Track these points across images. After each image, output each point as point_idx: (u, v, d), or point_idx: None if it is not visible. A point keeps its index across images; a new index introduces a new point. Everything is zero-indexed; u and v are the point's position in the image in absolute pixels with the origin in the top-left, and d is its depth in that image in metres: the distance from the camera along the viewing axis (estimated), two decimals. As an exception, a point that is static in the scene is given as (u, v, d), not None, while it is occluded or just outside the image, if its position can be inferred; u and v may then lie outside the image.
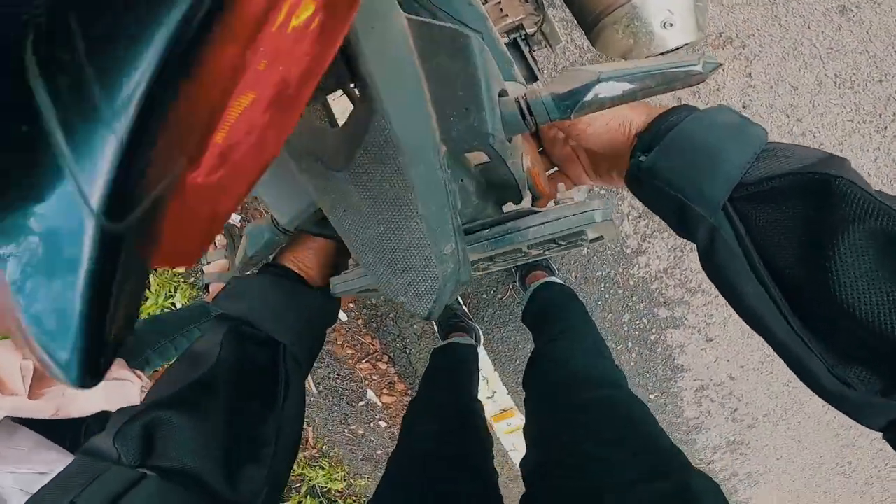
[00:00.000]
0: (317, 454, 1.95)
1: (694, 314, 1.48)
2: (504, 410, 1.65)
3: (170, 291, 1.50)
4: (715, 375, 1.63)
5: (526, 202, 0.48)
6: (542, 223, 0.39)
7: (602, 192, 1.30)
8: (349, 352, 1.59)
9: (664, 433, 0.66)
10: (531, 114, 0.35)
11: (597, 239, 0.48)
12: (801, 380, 0.34)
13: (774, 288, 0.33)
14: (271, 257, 0.57)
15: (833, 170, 0.31)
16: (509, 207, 0.44)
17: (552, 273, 1.34)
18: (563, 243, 0.44)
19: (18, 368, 0.68)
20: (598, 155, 0.46)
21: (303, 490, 1.91)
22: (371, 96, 0.30)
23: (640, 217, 1.33)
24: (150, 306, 1.48)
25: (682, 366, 1.61)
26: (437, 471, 0.75)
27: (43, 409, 0.72)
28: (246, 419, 0.44)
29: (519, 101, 0.35)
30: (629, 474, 0.58)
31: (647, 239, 1.36)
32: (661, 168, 0.37)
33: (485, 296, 1.46)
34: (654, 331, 1.52)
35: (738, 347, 1.56)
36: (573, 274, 1.40)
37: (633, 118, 0.42)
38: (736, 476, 1.98)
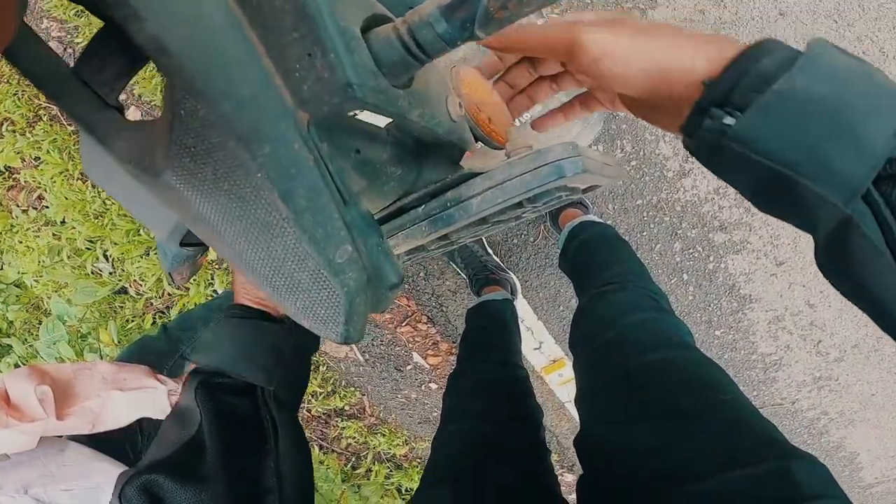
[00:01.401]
0: (376, 422, 1.99)
1: (757, 236, 1.31)
2: (554, 361, 1.57)
3: (208, 279, 1.54)
4: (790, 304, 1.45)
5: (483, 159, 0.38)
6: (487, 189, 0.29)
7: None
8: (387, 316, 1.57)
9: (749, 403, 0.54)
10: (418, 44, 0.24)
11: (590, 188, 0.39)
12: None
13: None
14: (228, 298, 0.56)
15: None
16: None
17: (587, 209, 1.23)
18: (537, 204, 0.32)
19: (34, 394, 0.69)
20: (638, 103, 0.33)
21: (369, 457, 1.96)
22: (167, 67, 0.22)
23: (676, 136, 1.18)
24: (195, 296, 1.54)
25: (750, 296, 1.44)
26: (485, 460, 0.68)
27: (78, 426, 0.75)
28: (242, 474, 0.43)
29: (398, 29, 0.25)
30: (705, 462, 0.47)
31: (690, 159, 1.20)
32: (760, 135, 0.26)
33: (515, 241, 1.37)
34: (711, 259, 1.37)
35: (816, 270, 1.37)
36: (610, 206, 1.28)
37: (691, 60, 0.29)
38: (826, 415, 1.79)
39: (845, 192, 0.25)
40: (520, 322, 1.50)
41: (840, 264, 0.28)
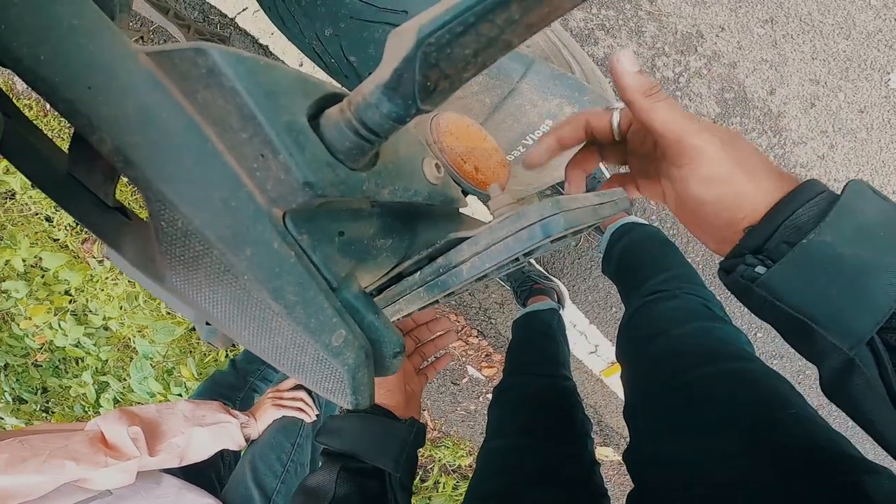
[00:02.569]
0: (439, 435, 2.01)
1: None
2: (612, 363, 1.51)
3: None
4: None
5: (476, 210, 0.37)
6: (474, 255, 0.29)
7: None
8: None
9: (816, 416, 0.50)
10: (368, 128, 0.23)
11: (592, 225, 0.36)
12: None
13: None
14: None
15: None
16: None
17: (629, 211, 1.17)
18: (532, 257, 0.33)
19: (127, 435, 0.76)
20: (691, 216, 0.36)
21: (435, 470, 1.99)
22: (134, 179, 0.22)
23: (714, 122, 1.10)
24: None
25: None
26: (529, 478, 0.67)
27: (168, 461, 0.83)
28: None
29: (345, 112, 0.23)
30: (768, 477, 0.45)
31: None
32: (785, 289, 0.30)
33: (555, 248, 1.34)
34: (776, 246, 1.26)
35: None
36: (652, 201, 1.21)
37: (748, 198, 0.32)
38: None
39: (852, 340, 0.29)
40: (572, 327, 1.46)
41: (843, 396, 0.31)
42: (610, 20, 1.19)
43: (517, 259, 0.31)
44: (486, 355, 1.63)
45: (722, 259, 0.35)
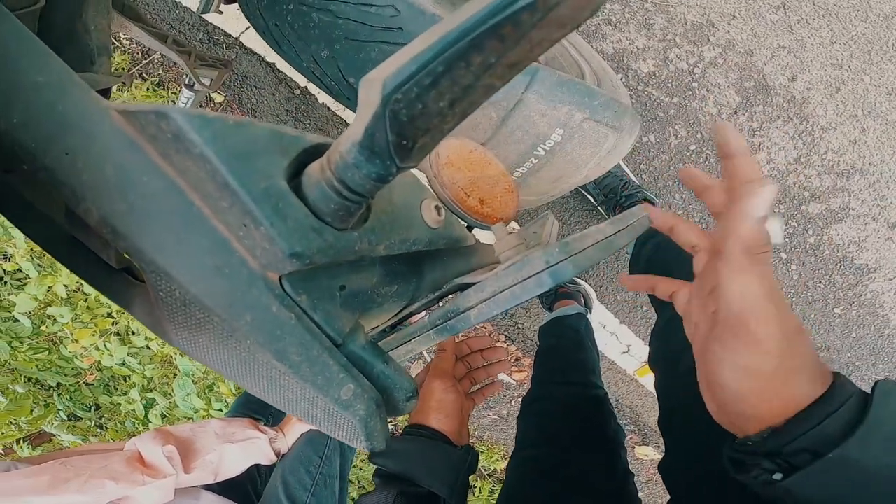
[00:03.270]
0: (472, 440, 2.01)
1: (859, 200, 1.15)
2: (645, 363, 1.49)
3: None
4: (920, 268, 1.25)
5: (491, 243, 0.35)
6: (482, 302, 0.28)
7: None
8: (458, 336, 1.59)
9: None
10: (350, 189, 0.21)
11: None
12: None
13: None
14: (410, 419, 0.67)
15: None
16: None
17: (653, 205, 1.15)
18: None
19: (162, 454, 0.80)
20: (708, 383, 0.34)
21: (472, 474, 1.99)
22: (126, 249, 0.21)
23: (735, 112, 1.08)
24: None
25: (867, 265, 1.26)
26: (558, 491, 0.68)
27: (203, 477, 0.86)
28: None
29: (325, 172, 0.21)
30: None
31: (758, 133, 1.10)
32: (804, 492, 0.29)
33: (582, 249, 1.33)
34: (810, 232, 1.22)
35: (945, 225, 1.17)
36: (677, 195, 1.19)
37: (777, 403, 0.30)
38: None
39: None
40: (602, 328, 1.44)
41: None
42: (616, 14, 1.18)
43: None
44: (516, 359, 1.63)
45: (729, 446, 0.34)
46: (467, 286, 0.29)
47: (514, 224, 1.27)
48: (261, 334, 0.23)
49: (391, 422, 1.90)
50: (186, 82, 0.94)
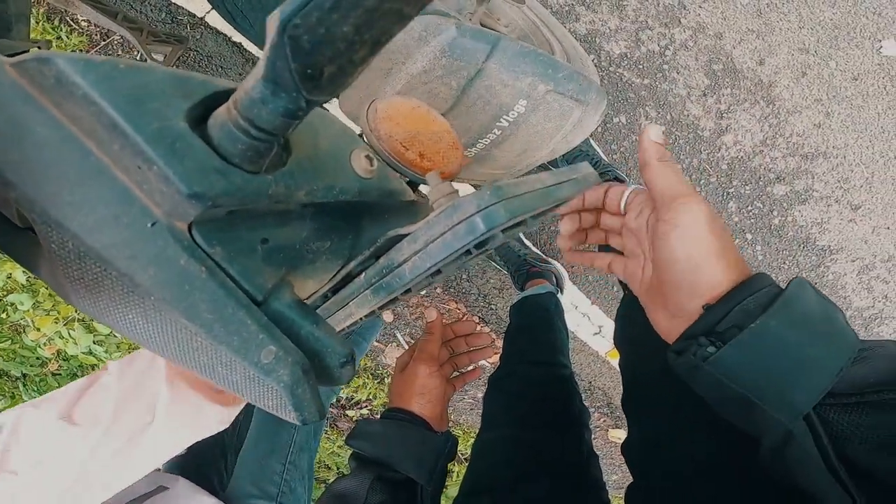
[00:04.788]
0: (450, 425, 2.02)
1: (822, 182, 1.18)
2: (616, 346, 1.51)
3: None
4: (878, 250, 1.28)
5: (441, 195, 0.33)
6: (414, 254, 0.26)
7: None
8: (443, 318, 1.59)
9: None
10: (259, 128, 0.20)
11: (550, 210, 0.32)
12: None
13: (856, 491, 0.30)
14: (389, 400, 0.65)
15: None
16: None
17: (624, 183, 1.15)
18: (489, 249, 0.27)
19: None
20: (661, 275, 0.39)
21: (448, 458, 2.00)
22: (19, 200, 0.20)
23: (704, 94, 1.08)
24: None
25: (829, 247, 1.29)
26: (523, 471, 0.67)
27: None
28: None
29: (231, 112, 0.20)
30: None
31: (726, 115, 1.11)
32: (733, 368, 0.33)
33: (554, 228, 1.33)
34: (775, 213, 1.24)
35: (901, 207, 1.20)
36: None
37: (712, 271, 0.35)
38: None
39: (791, 414, 0.32)
40: (574, 308, 1.45)
41: (780, 466, 0.34)
42: (591, -5, 1.18)
43: (469, 252, 0.27)
44: (490, 341, 1.64)
45: (673, 342, 0.38)
46: (402, 238, 0.27)
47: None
48: (166, 289, 0.21)
49: (359, 411, 1.89)
50: (139, 59, 0.90)
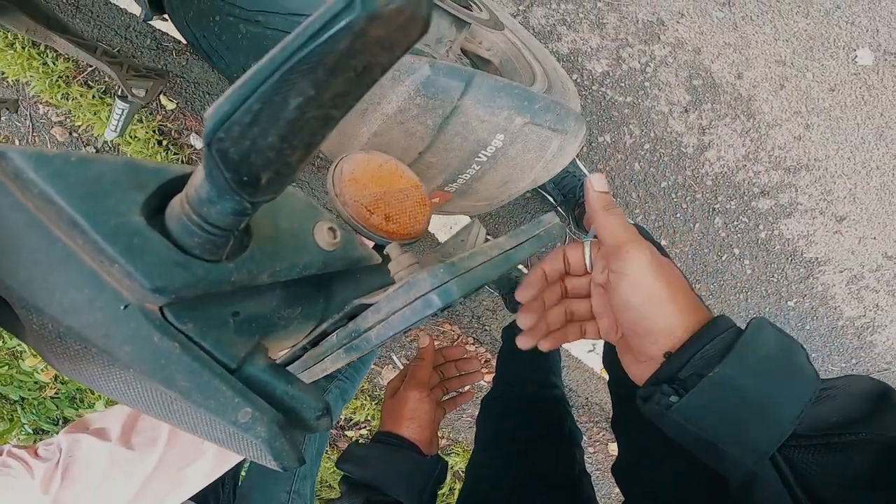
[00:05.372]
0: (448, 443, 2.00)
1: (806, 195, 1.18)
2: (611, 362, 1.50)
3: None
4: (866, 260, 1.29)
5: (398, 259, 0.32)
6: (378, 323, 0.28)
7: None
8: (435, 343, 1.58)
9: None
10: (210, 223, 0.20)
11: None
12: None
13: None
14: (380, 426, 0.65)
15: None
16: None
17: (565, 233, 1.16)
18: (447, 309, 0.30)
19: None
20: (623, 323, 0.39)
21: (447, 476, 1.98)
22: None
23: (686, 110, 1.09)
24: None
25: (817, 259, 1.30)
26: (516, 491, 0.68)
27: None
28: None
29: (184, 207, 0.20)
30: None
31: (708, 131, 1.12)
32: (695, 415, 0.34)
33: (545, 250, 1.33)
34: (761, 227, 1.25)
35: (884, 217, 1.21)
36: (633, 194, 1.21)
37: (666, 315, 0.36)
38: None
39: (755, 456, 0.32)
40: (566, 328, 1.45)
41: (746, 497, 0.35)
42: (570, 14, 1.19)
43: (434, 313, 0.29)
44: (486, 361, 1.63)
45: (641, 387, 0.39)
46: (368, 305, 0.28)
47: (438, 235, 1.27)
48: (143, 364, 0.22)
49: (358, 432, 1.88)
50: (119, 94, 0.90)
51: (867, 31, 1.18)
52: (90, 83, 1.35)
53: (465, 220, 1.29)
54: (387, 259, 0.34)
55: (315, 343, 0.34)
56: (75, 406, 1.90)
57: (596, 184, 0.40)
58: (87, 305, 0.21)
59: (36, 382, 1.81)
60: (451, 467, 1.96)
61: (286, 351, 0.35)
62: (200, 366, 0.24)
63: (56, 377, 1.81)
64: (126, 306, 0.22)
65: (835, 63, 1.18)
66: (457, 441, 1.95)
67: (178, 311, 0.23)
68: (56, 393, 1.87)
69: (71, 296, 0.21)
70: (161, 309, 0.23)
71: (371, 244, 0.38)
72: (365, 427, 1.90)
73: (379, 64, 0.16)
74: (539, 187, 1.22)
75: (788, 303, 1.38)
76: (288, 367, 0.33)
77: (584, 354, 1.50)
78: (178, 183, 0.23)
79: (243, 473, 1.04)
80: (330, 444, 1.90)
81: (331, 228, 0.30)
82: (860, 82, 1.19)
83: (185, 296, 0.22)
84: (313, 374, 0.35)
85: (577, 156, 1.22)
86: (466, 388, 0.73)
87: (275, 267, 0.26)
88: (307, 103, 0.16)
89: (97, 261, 0.21)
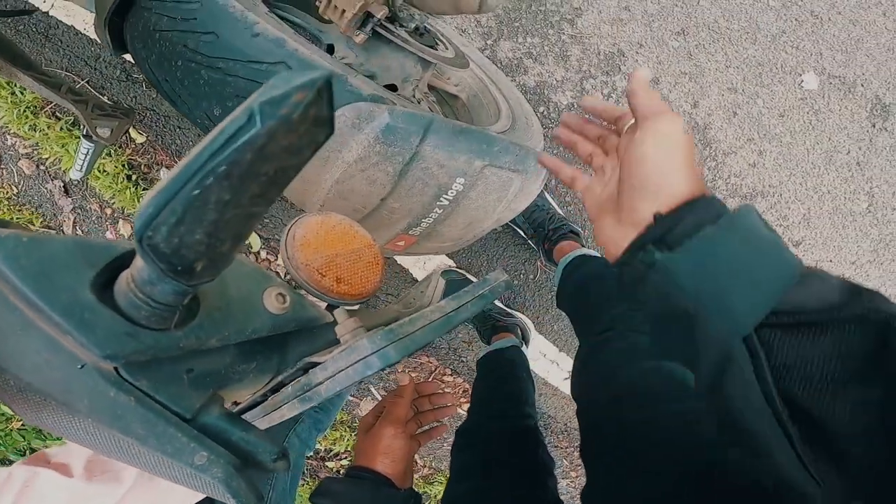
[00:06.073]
0: (430, 472, 1.97)
1: (764, 219, 1.23)
2: (588, 386, 1.51)
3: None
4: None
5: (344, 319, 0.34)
6: (326, 379, 0.30)
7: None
8: (413, 374, 1.57)
9: None
10: (154, 301, 0.22)
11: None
12: None
13: (790, 422, 0.30)
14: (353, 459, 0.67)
15: (885, 306, 0.29)
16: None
17: (581, 241, 1.18)
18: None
19: None
20: (628, 177, 0.40)
21: (430, 506, 1.95)
22: None
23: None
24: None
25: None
26: None
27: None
28: None
29: (130, 284, 0.22)
30: None
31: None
32: (679, 274, 0.33)
33: (516, 281, 1.35)
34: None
35: (838, 242, 1.26)
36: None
37: (677, 176, 0.36)
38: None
39: (734, 329, 0.31)
40: (542, 357, 1.46)
41: (718, 395, 0.33)
42: (536, 47, 1.23)
43: (382, 370, 0.31)
44: (464, 391, 1.62)
45: (622, 254, 0.39)
46: (318, 363, 0.31)
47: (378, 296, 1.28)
48: (100, 415, 0.24)
49: (339, 463, 1.83)
50: (84, 133, 0.89)
51: (811, 54, 1.24)
52: (58, 115, 1.33)
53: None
54: (335, 321, 0.35)
55: (275, 390, 0.35)
56: (42, 437, 1.82)
57: (641, 73, 0.41)
58: (46, 365, 0.24)
59: (3, 413, 1.74)
60: (435, 496, 1.92)
61: (247, 399, 0.36)
62: (155, 416, 0.26)
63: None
64: (82, 366, 0.24)
65: (783, 88, 1.24)
66: (439, 470, 1.92)
67: (131, 370, 0.25)
68: (23, 425, 1.80)
69: (31, 357, 0.24)
70: (115, 367, 0.25)
71: (324, 304, 0.38)
72: (345, 458, 1.86)
73: (291, 166, 0.17)
74: (510, 221, 1.25)
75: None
76: (248, 413, 0.34)
77: (561, 382, 1.50)
78: (126, 258, 0.25)
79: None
80: (310, 475, 1.86)
81: (280, 294, 0.31)
82: (807, 107, 1.25)
83: (136, 360, 0.24)
84: (272, 419, 0.36)
85: (546, 189, 1.25)
86: (441, 422, 0.73)
87: (223, 332, 0.28)
88: (226, 206, 0.17)
89: (53, 329, 0.23)
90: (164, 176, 0.19)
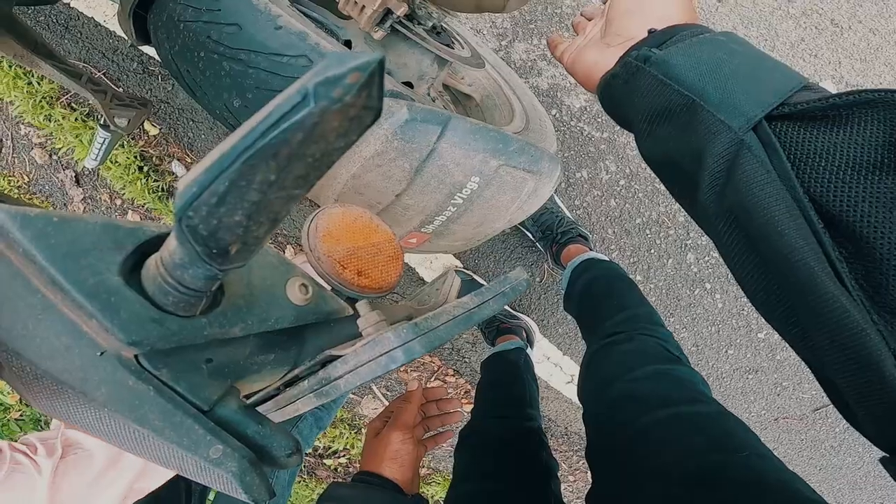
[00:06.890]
0: (428, 472, 1.97)
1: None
2: (590, 393, 1.51)
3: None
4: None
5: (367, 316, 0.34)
6: (348, 373, 0.29)
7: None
8: (415, 374, 1.57)
9: (769, 456, 0.50)
10: (183, 286, 0.22)
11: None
12: (841, 373, 0.24)
13: (821, 225, 0.25)
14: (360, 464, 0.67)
15: None
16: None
17: (589, 244, 1.18)
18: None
19: None
20: (612, 10, 0.40)
21: (428, 509, 1.94)
22: None
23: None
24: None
25: (787, 291, 1.33)
26: None
27: None
28: None
29: (159, 267, 0.22)
30: None
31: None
32: (678, 65, 0.31)
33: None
34: (733, 263, 1.28)
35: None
36: (609, 230, 1.23)
37: (669, 5, 0.36)
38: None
39: (742, 120, 0.27)
40: (546, 360, 1.46)
41: (729, 193, 0.28)
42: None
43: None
44: (466, 391, 1.62)
45: (612, 67, 0.37)
46: (338, 357, 0.30)
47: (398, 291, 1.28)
48: (118, 404, 0.24)
49: (337, 460, 1.84)
50: (102, 123, 0.90)
51: (829, 62, 1.24)
52: (73, 105, 1.34)
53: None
54: (357, 314, 0.35)
55: (289, 384, 0.35)
56: (39, 428, 1.84)
57: None
58: (64, 352, 0.23)
59: (1, 404, 1.75)
60: (432, 497, 1.92)
61: (261, 391, 0.36)
62: (174, 407, 0.25)
63: (21, 400, 1.75)
64: (102, 353, 0.23)
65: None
66: (437, 470, 1.92)
67: (152, 358, 0.25)
68: (21, 416, 1.81)
69: (49, 342, 0.23)
70: (136, 356, 0.24)
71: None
72: (344, 455, 1.85)
73: (336, 149, 0.17)
74: (519, 224, 1.25)
75: (759, 335, 1.41)
76: (261, 406, 0.34)
77: (564, 386, 1.50)
78: (155, 243, 0.24)
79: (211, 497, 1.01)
80: (308, 473, 1.86)
81: (303, 285, 0.31)
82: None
83: (161, 347, 0.23)
84: (285, 413, 0.36)
85: (556, 192, 1.25)
86: (447, 428, 0.73)
87: (247, 321, 0.27)
88: (269, 186, 0.17)
89: (75, 313, 0.22)
90: (205, 157, 0.19)
